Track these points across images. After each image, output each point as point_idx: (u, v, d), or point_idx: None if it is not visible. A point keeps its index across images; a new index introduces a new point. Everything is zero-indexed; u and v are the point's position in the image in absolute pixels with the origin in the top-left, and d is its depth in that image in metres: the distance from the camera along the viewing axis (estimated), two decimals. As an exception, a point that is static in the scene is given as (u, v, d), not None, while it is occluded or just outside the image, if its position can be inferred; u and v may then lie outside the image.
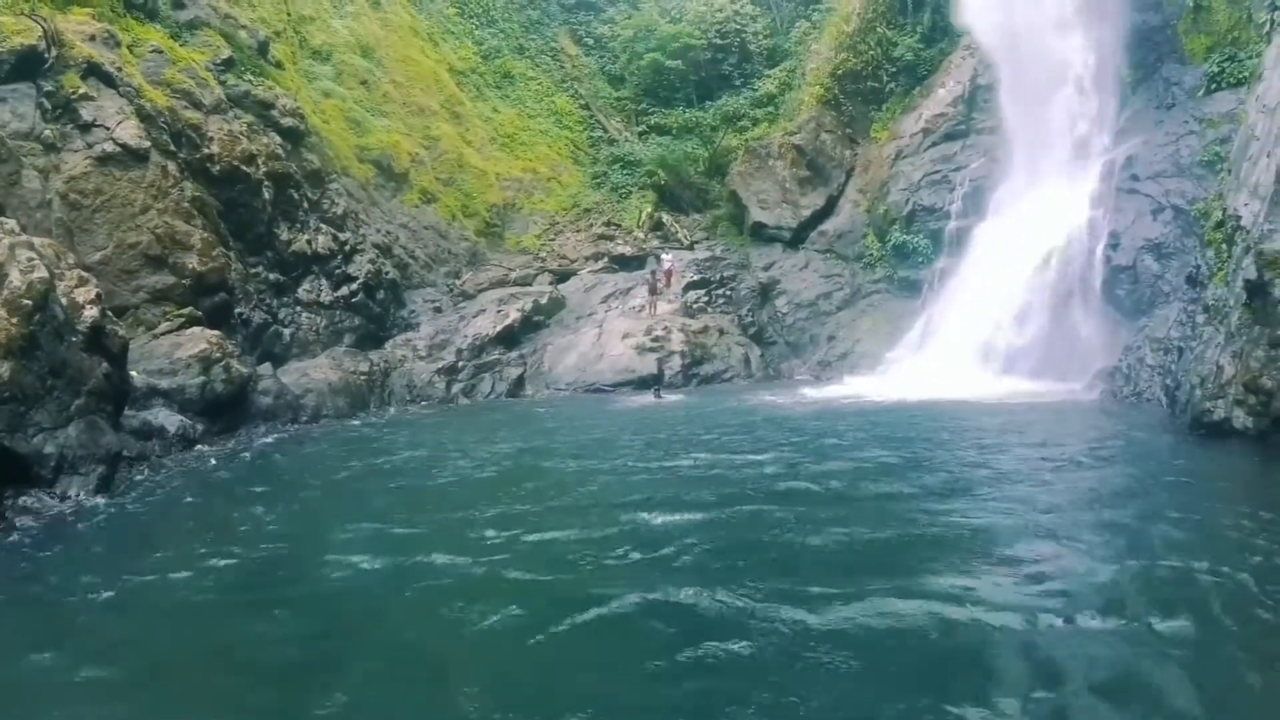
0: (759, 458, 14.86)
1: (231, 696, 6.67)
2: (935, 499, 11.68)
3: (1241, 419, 14.23)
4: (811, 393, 25.21)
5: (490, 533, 10.61)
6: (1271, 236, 14.13)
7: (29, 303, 13.06)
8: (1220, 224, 17.34)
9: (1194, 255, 19.54)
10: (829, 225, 34.70)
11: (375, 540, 10.74)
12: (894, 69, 35.05)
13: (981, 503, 11.47)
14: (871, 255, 33.12)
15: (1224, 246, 16.90)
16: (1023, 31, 27.41)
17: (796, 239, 34.88)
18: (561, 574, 9.01)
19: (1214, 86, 22.99)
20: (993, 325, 25.14)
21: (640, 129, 42.23)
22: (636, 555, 9.37)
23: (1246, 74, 20.66)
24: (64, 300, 14.27)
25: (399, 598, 8.66)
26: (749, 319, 33.19)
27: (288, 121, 27.26)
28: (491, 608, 7.94)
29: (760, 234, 35.54)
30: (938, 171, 31.15)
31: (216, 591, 9.14)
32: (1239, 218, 16.02)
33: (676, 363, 29.49)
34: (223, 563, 10.00)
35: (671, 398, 25.98)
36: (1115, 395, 20.22)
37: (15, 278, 13.05)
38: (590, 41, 45.07)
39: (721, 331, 31.88)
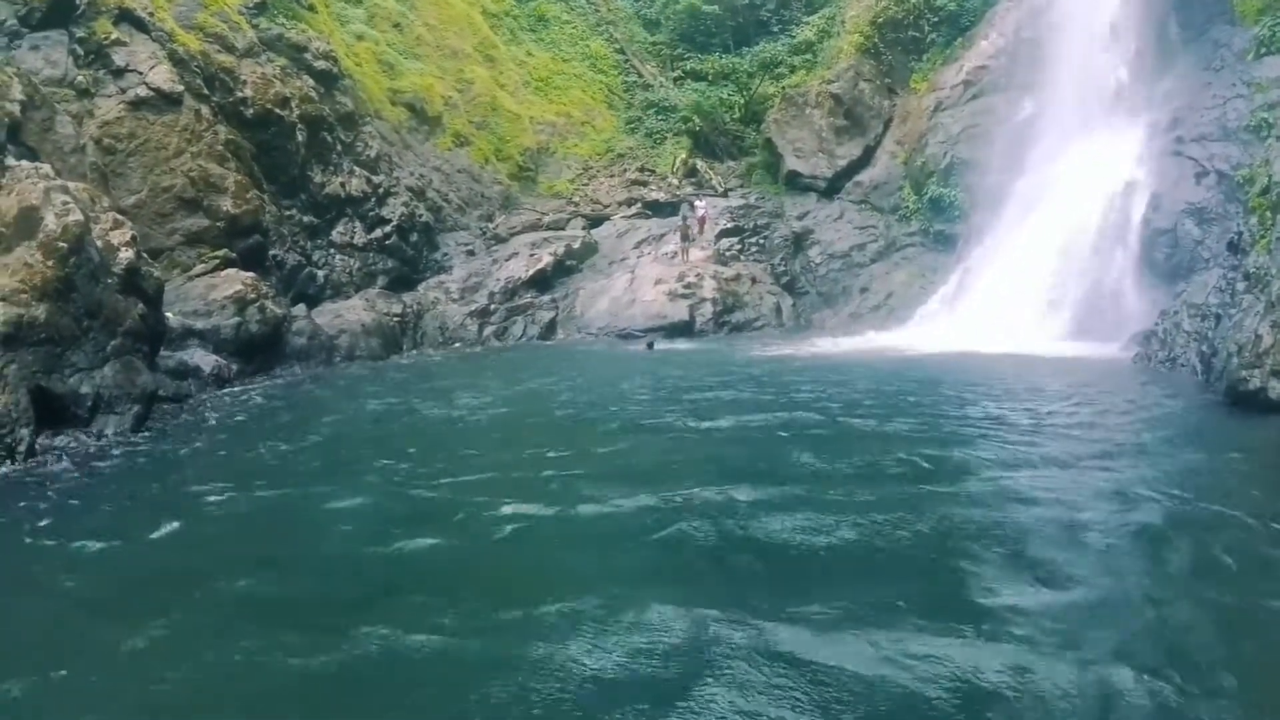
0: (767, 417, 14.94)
1: (231, 630, 6.82)
2: (951, 450, 11.88)
3: (1277, 390, 14.04)
4: (837, 344, 25.26)
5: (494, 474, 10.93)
6: (1317, 204, 13.82)
7: (64, 245, 13.24)
8: (1265, 190, 16.97)
9: (1236, 221, 19.14)
10: (865, 176, 34.22)
11: (392, 479, 11.18)
12: (936, 19, 34.16)
13: (1000, 457, 11.55)
14: (907, 207, 32.68)
15: (1268, 214, 16.55)
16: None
17: (831, 189, 34.45)
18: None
19: (1264, 50, 22.29)
20: (1028, 282, 24.78)
21: (675, 74, 41.56)
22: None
23: (1297, 38, 20.10)
24: (99, 243, 14.44)
25: (405, 530, 9.11)
26: (781, 268, 32.94)
27: (320, 65, 27.17)
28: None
29: (795, 183, 35.12)
30: (977, 125, 30.49)
31: (237, 529, 9.48)
32: (1284, 184, 15.69)
33: (708, 310, 29.45)
34: (246, 501, 10.35)
35: (683, 345, 26.32)
36: (1150, 359, 19.97)
37: (51, 221, 13.20)
38: (626, -16, 44.37)
39: (754, 280, 31.73)
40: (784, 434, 13.34)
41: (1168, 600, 7.00)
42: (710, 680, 5.67)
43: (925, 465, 11.02)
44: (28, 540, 8.98)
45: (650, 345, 25.73)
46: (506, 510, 9.52)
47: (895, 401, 15.67)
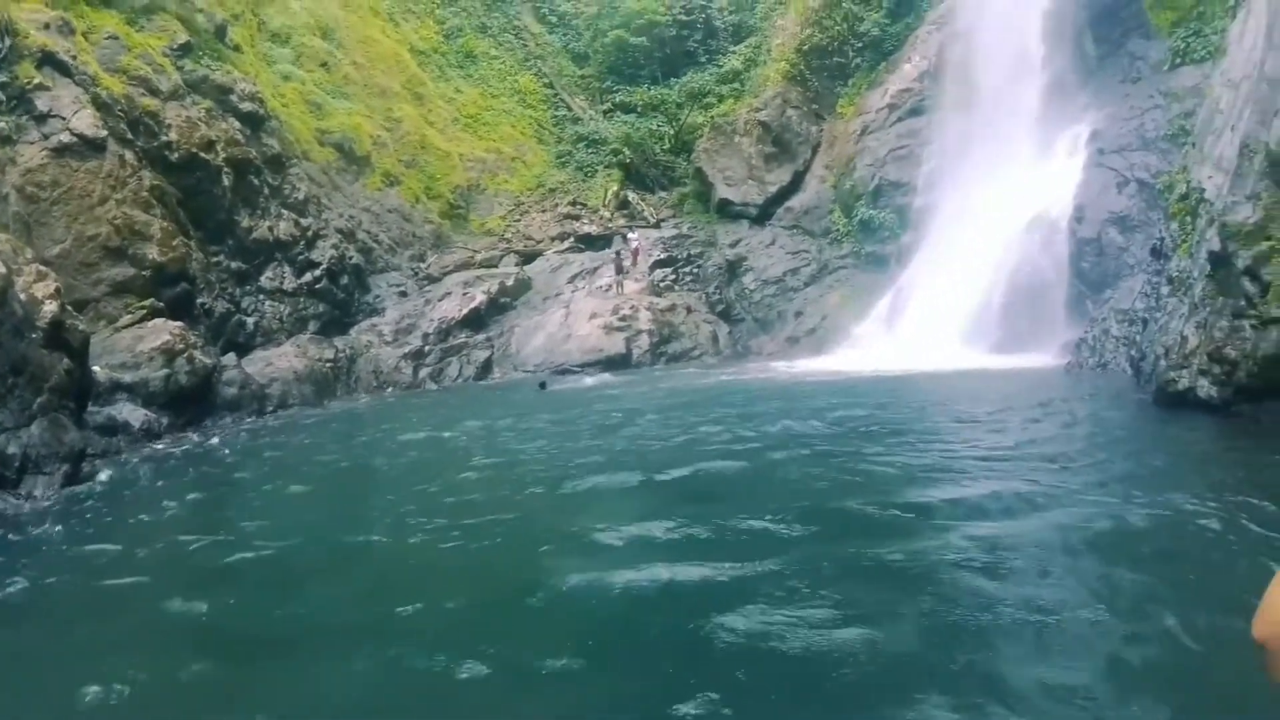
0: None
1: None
2: (898, 469, 11.91)
3: (1205, 389, 14.39)
4: (774, 369, 25.52)
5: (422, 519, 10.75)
6: (1235, 208, 14.23)
7: (-15, 300, 12.81)
8: (1184, 197, 17.48)
9: (1158, 228, 19.71)
10: (795, 201, 34.68)
11: (325, 526, 10.99)
12: (860, 44, 34.96)
13: (939, 467, 11.77)
14: (838, 231, 33.14)
15: (1188, 219, 17.04)
16: (986, 6, 27.47)
17: (763, 215, 34.84)
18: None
19: (1179, 61, 23.16)
20: (959, 298, 25.25)
21: (605, 107, 41.86)
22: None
23: (1211, 49, 20.80)
24: (22, 296, 14.00)
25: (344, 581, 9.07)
26: (716, 296, 33.14)
27: (247, 106, 26.78)
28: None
29: (727, 211, 35.48)
30: (904, 147, 31.21)
31: (173, 584, 9.10)
32: (1203, 190, 16.16)
33: (644, 341, 29.42)
34: (180, 557, 10.00)
35: (589, 380, 26.00)
36: (1081, 366, 20.42)
37: (-30, 275, 12.78)
38: (554, 19, 44.56)
39: (689, 309, 31.84)
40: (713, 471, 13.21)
41: (1097, 600, 7.09)
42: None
43: (878, 492, 10.98)
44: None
45: (543, 385, 24.90)
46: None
47: (835, 428, 15.53)
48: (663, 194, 38.37)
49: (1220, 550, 7.91)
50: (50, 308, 14.64)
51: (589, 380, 26.19)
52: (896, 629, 6.68)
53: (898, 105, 32.20)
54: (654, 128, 39.91)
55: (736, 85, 39.83)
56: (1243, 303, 13.92)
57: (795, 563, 8.09)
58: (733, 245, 34.46)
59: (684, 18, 41.99)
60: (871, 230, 31.65)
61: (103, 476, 14.55)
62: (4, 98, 19.81)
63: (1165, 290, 17.35)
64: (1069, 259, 23.58)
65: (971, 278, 25.27)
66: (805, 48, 35.67)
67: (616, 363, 28.27)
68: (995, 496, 10.21)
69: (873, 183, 31.71)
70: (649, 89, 41.60)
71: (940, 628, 6.67)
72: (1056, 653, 6.17)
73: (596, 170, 38.92)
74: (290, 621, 8.00)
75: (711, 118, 38.05)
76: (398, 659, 6.85)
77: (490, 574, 8.97)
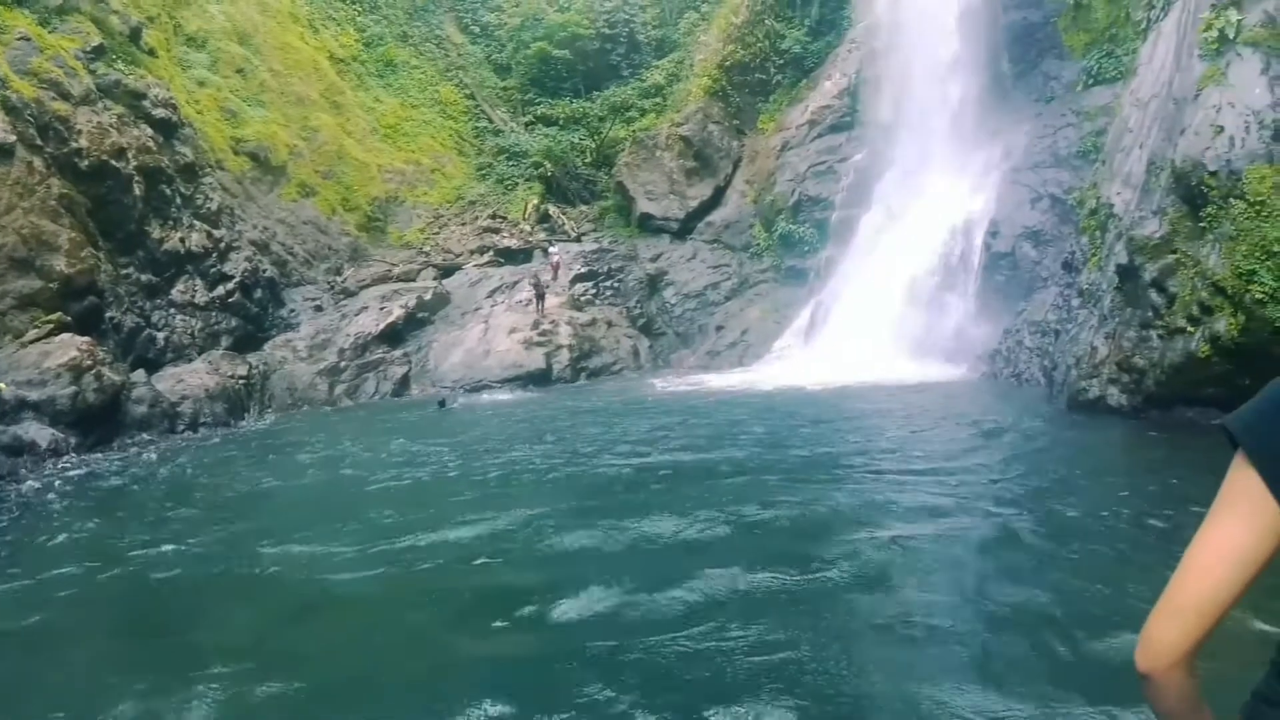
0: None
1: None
2: (806, 477, 12.17)
3: (1115, 396, 14.89)
4: (695, 382, 25.53)
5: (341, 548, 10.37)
6: (1142, 223, 14.75)
7: (-120, 311, 12.22)
8: (1094, 211, 18.07)
9: (1070, 242, 20.35)
10: (716, 216, 35.02)
11: (235, 547, 10.69)
12: (781, 61, 35.53)
13: (854, 477, 11.99)
14: (759, 245, 33.53)
15: (1098, 233, 17.62)
16: (905, 26, 28.11)
17: (684, 230, 35.10)
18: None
19: (1091, 81, 24.01)
20: (878, 312, 25.75)
21: (526, 119, 41.82)
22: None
23: (1123, 69, 21.60)
24: (-81, 307, 13.39)
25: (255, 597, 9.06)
26: (637, 310, 33.20)
27: (160, 112, 26.00)
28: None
29: (648, 225, 35.64)
30: (823, 162, 31.74)
31: (77, 609, 8.89)
32: (1112, 205, 16.72)
33: (565, 356, 29.25)
34: (89, 589, 9.58)
35: (502, 396, 25.73)
36: (996, 377, 20.93)
37: None
38: (476, 29, 44.37)
39: (610, 324, 31.82)
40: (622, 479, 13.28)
41: (977, 608, 7.31)
42: None
43: (793, 501, 11.02)
44: None
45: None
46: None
47: (751, 440, 15.66)
48: (584, 208, 38.39)
49: (1116, 556, 8.18)
50: (-50, 320, 14.03)
51: (505, 396, 25.94)
52: (775, 633, 6.80)
53: (818, 121, 32.75)
54: (576, 141, 39.97)
55: (659, 100, 40.15)
56: (1150, 314, 14.44)
57: (688, 580, 8.07)
58: (654, 259, 34.60)
59: (607, 31, 42.24)
60: (792, 245, 32.07)
61: (7, 497, 13.99)
62: (-92, 100, 18.99)
63: (1076, 302, 17.90)
64: (984, 272, 24.17)
65: (889, 291, 25.82)
66: (727, 64, 36.12)
67: (537, 378, 28.04)
68: (898, 506, 10.41)
69: (793, 198, 32.15)
70: (571, 102, 41.69)
71: (823, 633, 6.78)
72: (927, 663, 6.27)
73: (517, 183, 38.78)
74: (178, 647, 7.87)
75: (633, 132, 38.28)
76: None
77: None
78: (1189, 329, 13.60)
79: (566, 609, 7.59)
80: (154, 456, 18.08)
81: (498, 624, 7.49)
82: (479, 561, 9.33)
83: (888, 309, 25.66)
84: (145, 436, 19.95)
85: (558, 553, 9.41)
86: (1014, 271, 23.40)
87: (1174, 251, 14.05)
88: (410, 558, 9.66)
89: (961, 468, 12.26)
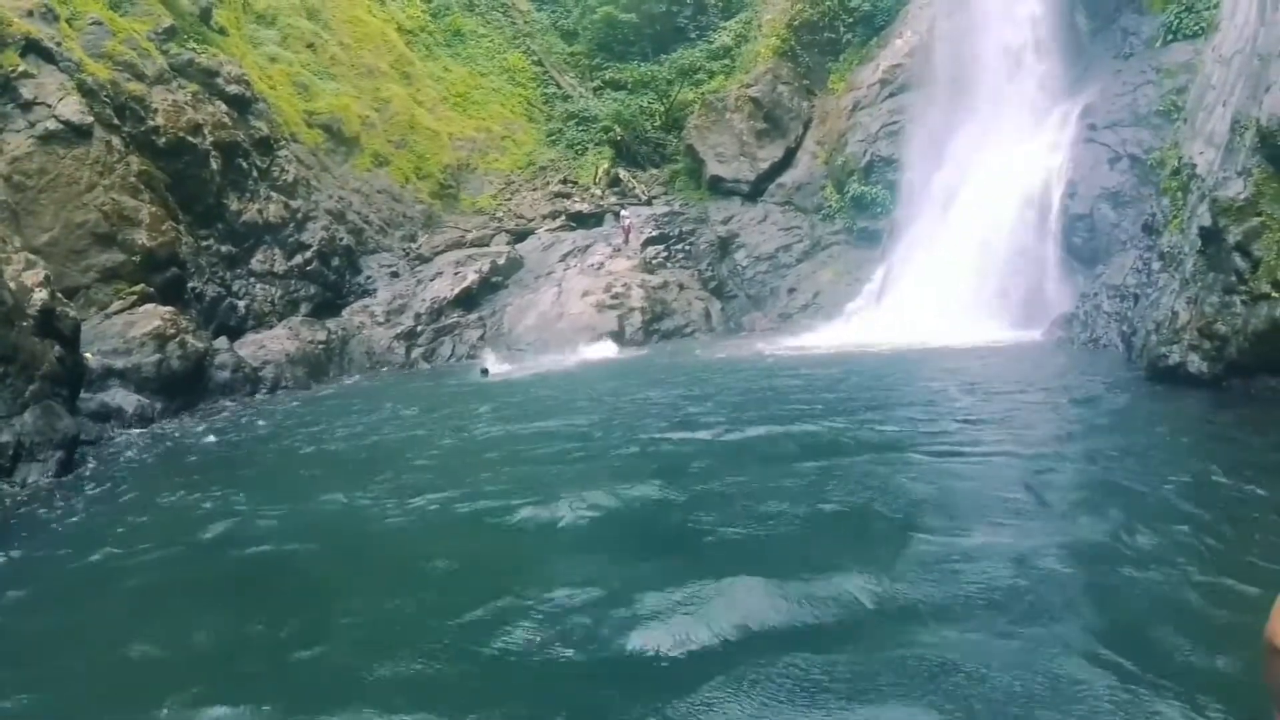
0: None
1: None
2: (892, 440, 11.96)
3: (1196, 364, 14.43)
4: (768, 345, 25.48)
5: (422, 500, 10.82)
6: (1225, 184, 14.23)
7: (-26, 290, 12.76)
8: (1176, 172, 17.49)
9: (1150, 203, 19.72)
10: (787, 177, 34.61)
11: (322, 506, 11.08)
12: (851, 19, 34.77)
13: (933, 443, 11.71)
14: (830, 207, 33.09)
15: (1179, 195, 17.05)
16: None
17: (755, 192, 34.77)
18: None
19: (1171, 37, 23.09)
20: (951, 274, 25.24)
21: (595, 84, 41.66)
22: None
23: (1204, 25, 20.73)
24: (12, 285, 13.93)
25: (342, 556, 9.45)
26: (709, 273, 33.10)
27: (233, 89, 26.58)
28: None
29: (718, 188, 35.41)
30: (895, 122, 31.09)
31: (162, 570, 9.18)
32: (1194, 166, 16.15)
33: (637, 319, 29.41)
34: (171, 542, 10.02)
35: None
36: (1072, 341, 20.47)
37: (-41, 265, 12.72)
38: (542, -5, 44.29)
39: (681, 286, 31.81)
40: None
41: (1097, 561, 7.19)
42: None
43: (882, 460, 10.96)
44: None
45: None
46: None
47: (836, 402, 15.56)
48: (654, 171, 38.26)
49: (1204, 530, 7.83)
50: (40, 295, 14.58)
51: (611, 353, 26.49)
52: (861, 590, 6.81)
53: (889, 80, 32.06)
54: (644, 105, 39.71)
55: (727, 61, 39.63)
56: (1233, 278, 13.94)
57: (780, 548, 8.12)
58: (725, 222, 34.41)
59: (674, -8, 41.71)
60: (864, 206, 31.62)
61: (96, 462, 14.60)
62: (-11, 86, 19.64)
63: (1156, 266, 17.39)
64: (1061, 234, 23.59)
65: (963, 253, 25.27)
66: (796, 23, 35.49)
67: (610, 339, 28.29)
68: (981, 477, 10.19)
69: (865, 158, 31.63)
70: (639, 66, 41.36)
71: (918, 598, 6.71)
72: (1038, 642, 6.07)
73: (587, 148, 38.77)
74: (279, 593, 8.48)
75: (702, 94, 37.88)
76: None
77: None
78: (1274, 294, 13.12)
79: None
80: (238, 419, 18.81)
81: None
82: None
83: (961, 271, 25.11)
84: (228, 401, 20.62)
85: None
86: (1092, 233, 22.77)
87: (1259, 214, 13.51)
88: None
89: (1042, 431, 12.05)
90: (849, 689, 5.44)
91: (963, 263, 25.15)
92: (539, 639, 6.55)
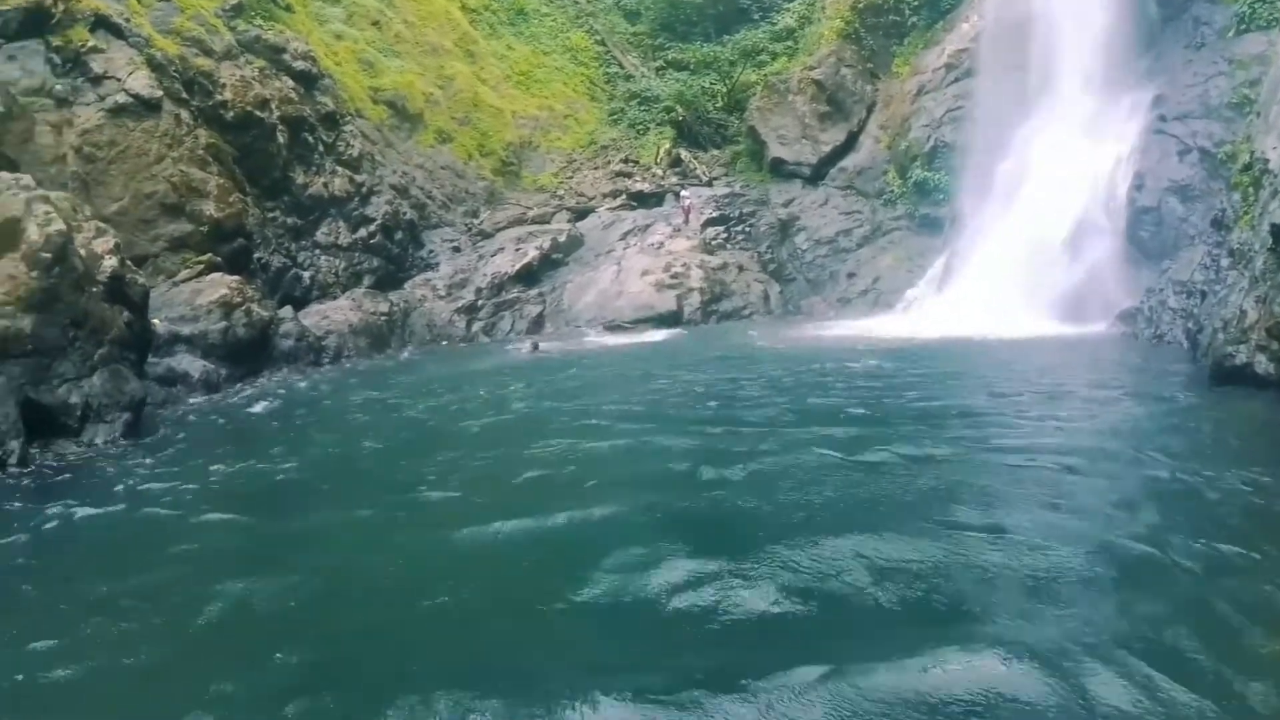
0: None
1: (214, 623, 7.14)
2: (945, 432, 11.85)
3: (1264, 365, 14.09)
4: (826, 330, 25.41)
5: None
6: (1299, 180, 13.88)
7: (48, 256, 13.18)
8: (1248, 167, 17.03)
9: (1220, 198, 19.25)
10: (849, 161, 34.27)
11: (384, 475, 11.51)
12: (916, 3, 34.16)
13: (989, 438, 11.57)
14: (893, 192, 32.74)
15: (1250, 190, 16.61)
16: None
17: (816, 175, 34.50)
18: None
19: (1244, 27, 22.42)
20: (1014, 264, 24.81)
21: (657, 64, 41.55)
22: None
23: (1278, 15, 20.15)
24: (83, 252, 14.36)
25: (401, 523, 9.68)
26: (768, 256, 32.97)
27: (300, 65, 27.00)
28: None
29: (780, 170, 35.20)
30: (960, 108, 30.57)
31: (222, 531, 9.56)
32: (1267, 161, 15.71)
33: (695, 299, 29.47)
34: (234, 503, 10.45)
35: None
36: (1136, 337, 20.10)
37: (33, 231, 13.14)
38: (605, -25, 44.21)
39: (741, 268, 31.75)
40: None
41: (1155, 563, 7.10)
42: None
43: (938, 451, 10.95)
44: (20, 548, 8.99)
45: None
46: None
47: (895, 392, 15.42)
48: (715, 152, 38.13)
49: (1262, 538, 7.64)
50: (110, 262, 15.00)
51: (658, 335, 26.52)
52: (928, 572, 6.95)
53: (955, 65, 31.51)
54: (707, 85, 39.53)
55: (790, 43, 39.28)
56: (1304, 277, 13.62)
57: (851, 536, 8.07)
58: (785, 204, 34.22)
59: (737, -27, 41.41)
60: (926, 192, 31.23)
61: (162, 425, 15.03)
62: (59, 61, 20.15)
63: (1225, 263, 16.98)
64: (1127, 227, 23.11)
65: (1026, 242, 24.83)
66: (860, 5, 34.98)
67: (667, 319, 28.46)
68: (1046, 475, 9.91)
69: (928, 144, 31.21)
70: (701, 46, 41.16)
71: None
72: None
73: (649, 128, 38.72)
74: (339, 550, 8.96)
75: (765, 76, 37.62)
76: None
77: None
78: (1346, 294, 12.81)
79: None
80: (301, 387, 19.34)
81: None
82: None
83: (1024, 260, 24.64)
84: (292, 369, 21.14)
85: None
86: (1159, 227, 22.28)
87: (1333, 211, 13.20)
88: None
89: (1115, 430, 11.85)
90: (889, 662, 5.63)
91: (1026, 253, 24.72)
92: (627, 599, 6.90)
